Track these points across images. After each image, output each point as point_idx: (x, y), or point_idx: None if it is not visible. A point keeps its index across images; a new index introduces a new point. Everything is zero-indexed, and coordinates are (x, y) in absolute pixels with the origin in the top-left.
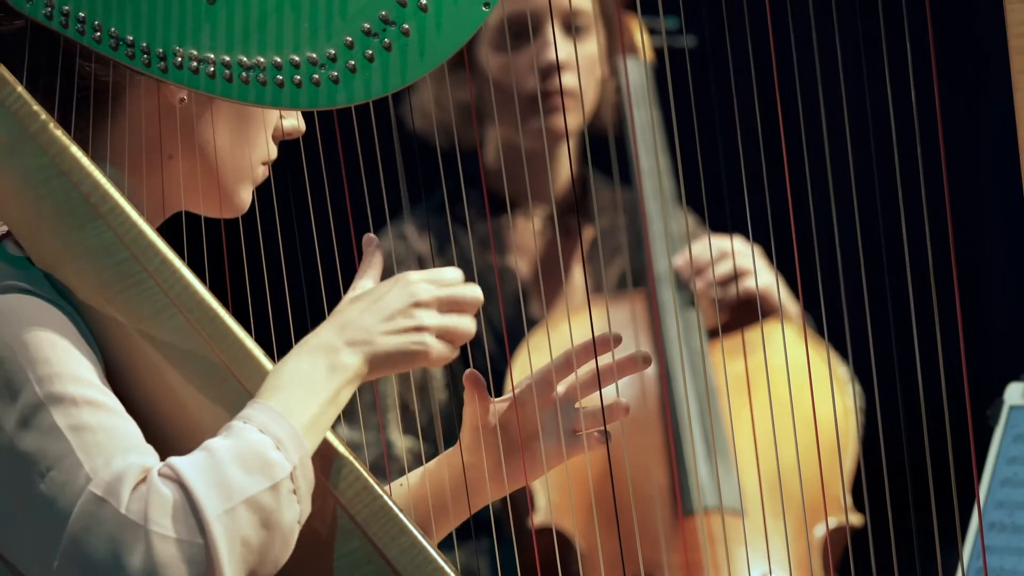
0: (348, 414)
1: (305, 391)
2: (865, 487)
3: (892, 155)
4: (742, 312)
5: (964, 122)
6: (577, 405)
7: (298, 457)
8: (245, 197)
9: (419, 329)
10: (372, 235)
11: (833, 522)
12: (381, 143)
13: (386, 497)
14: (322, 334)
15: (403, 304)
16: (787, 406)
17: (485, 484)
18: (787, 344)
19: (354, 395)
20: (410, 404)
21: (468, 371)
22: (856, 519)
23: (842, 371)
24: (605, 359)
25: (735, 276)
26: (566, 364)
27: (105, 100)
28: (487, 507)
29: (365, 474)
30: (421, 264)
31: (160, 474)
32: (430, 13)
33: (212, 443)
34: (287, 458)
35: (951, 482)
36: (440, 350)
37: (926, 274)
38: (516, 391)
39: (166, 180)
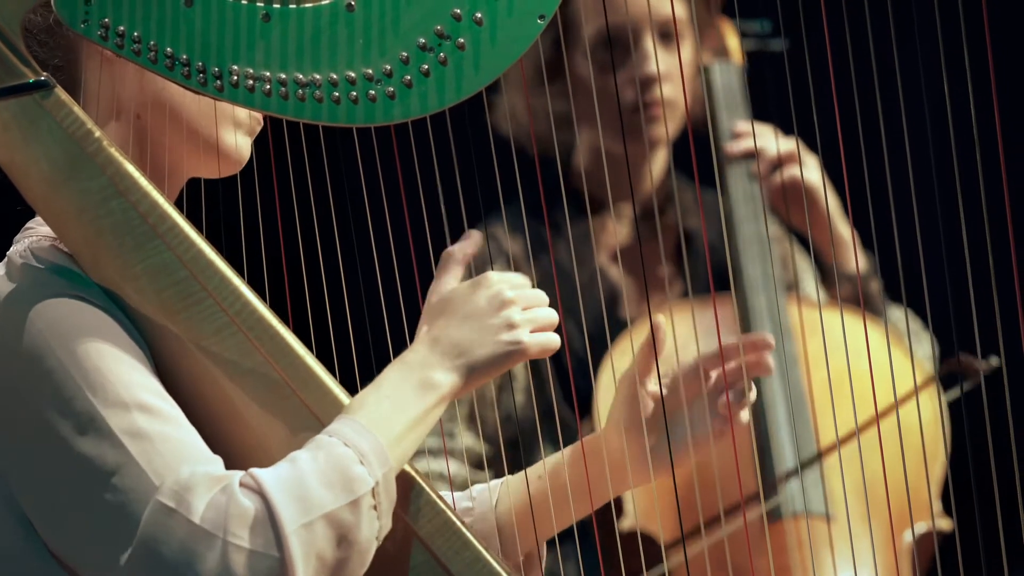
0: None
1: (394, 407)
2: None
3: (959, 156)
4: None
5: None
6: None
7: (381, 473)
8: (231, 142)
9: (511, 327)
10: (476, 231)
11: (922, 528)
12: (473, 147)
13: (449, 511)
14: (417, 349)
15: (492, 307)
16: (875, 411)
17: (627, 472)
18: (873, 349)
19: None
20: (484, 409)
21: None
22: (945, 524)
23: (914, 327)
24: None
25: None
26: (714, 359)
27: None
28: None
29: (428, 489)
30: (511, 264)
31: (242, 483)
32: (485, 27)
33: (297, 455)
34: (370, 473)
35: None
36: (539, 341)
37: (1010, 276)
38: (669, 378)
39: (147, 143)
